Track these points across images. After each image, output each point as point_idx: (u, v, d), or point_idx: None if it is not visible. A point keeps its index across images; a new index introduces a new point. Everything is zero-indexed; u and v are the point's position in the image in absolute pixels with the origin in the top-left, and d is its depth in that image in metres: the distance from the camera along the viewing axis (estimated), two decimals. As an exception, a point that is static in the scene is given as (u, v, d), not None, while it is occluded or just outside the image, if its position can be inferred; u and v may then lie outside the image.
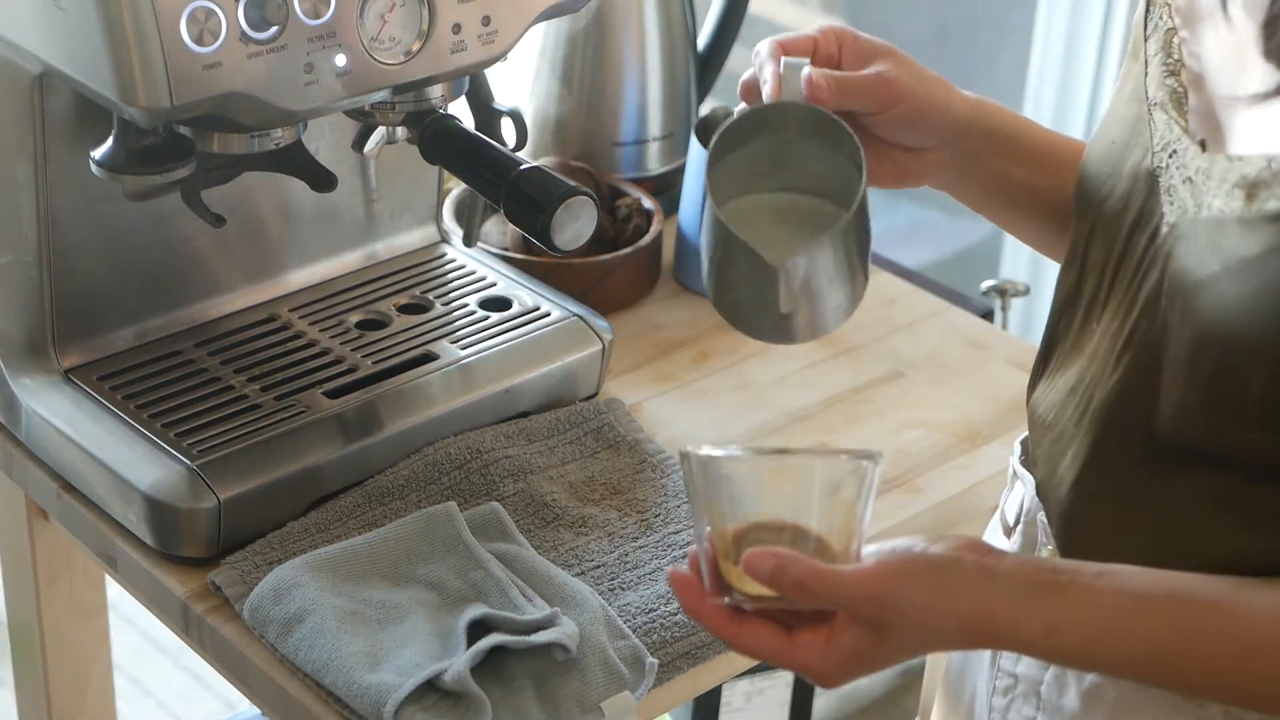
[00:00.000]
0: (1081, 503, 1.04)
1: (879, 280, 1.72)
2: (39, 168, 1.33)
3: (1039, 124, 1.20)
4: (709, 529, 1.00)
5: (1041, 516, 1.10)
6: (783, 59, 1.08)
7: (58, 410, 1.37)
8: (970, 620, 0.95)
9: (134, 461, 1.32)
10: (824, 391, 1.55)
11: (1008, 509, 1.17)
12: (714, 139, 1.06)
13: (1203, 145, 0.98)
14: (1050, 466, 1.07)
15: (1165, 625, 0.94)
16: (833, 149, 1.06)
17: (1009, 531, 1.15)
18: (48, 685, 1.60)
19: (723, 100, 1.83)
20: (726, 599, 0.99)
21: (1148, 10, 1.06)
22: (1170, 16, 1.04)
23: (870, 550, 0.98)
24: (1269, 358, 0.91)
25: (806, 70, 1.06)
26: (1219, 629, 0.94)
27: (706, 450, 1.00)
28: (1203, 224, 0.96)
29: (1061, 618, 0.95)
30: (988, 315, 1.77)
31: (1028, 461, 1.14)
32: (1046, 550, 1.09)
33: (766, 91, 1.07)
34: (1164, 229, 0.98)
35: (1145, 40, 1.06)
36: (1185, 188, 0.98)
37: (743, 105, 1.11)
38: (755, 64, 1.10)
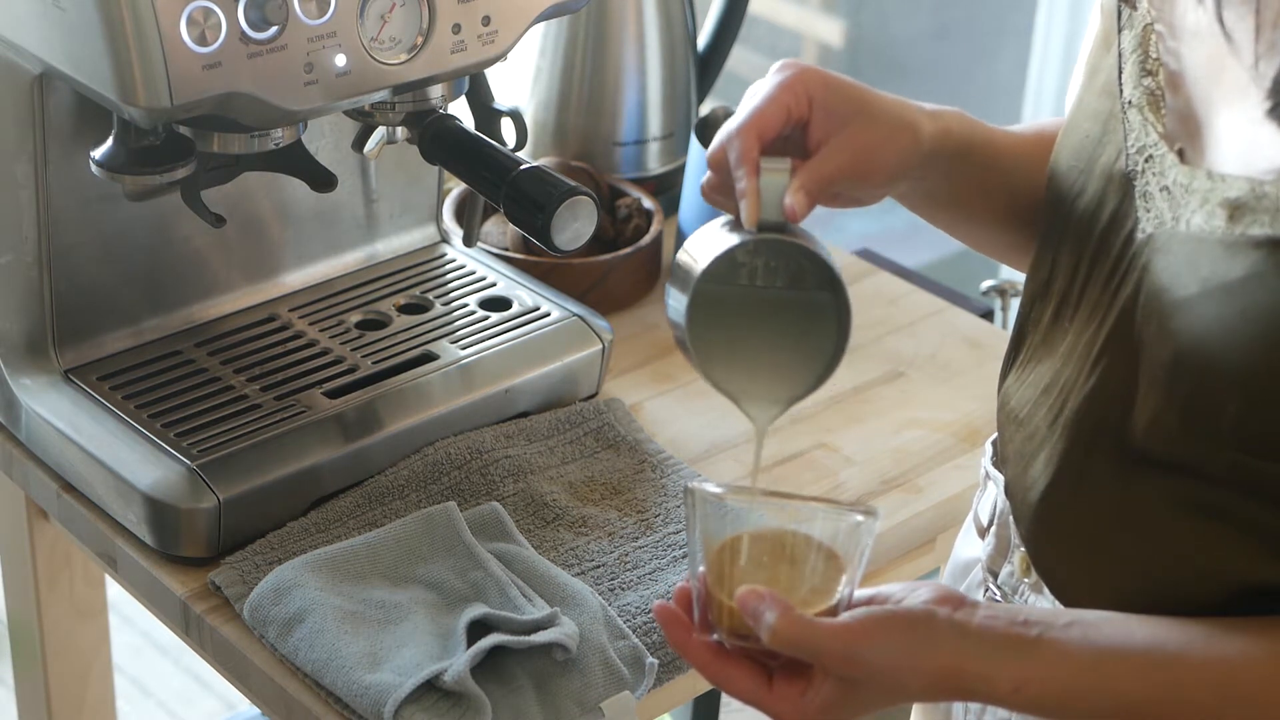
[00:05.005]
0: (1053, 507, 1.03)
1: (879, 280, 1.72)
2: (39, 168, 1.33)
3: (996, 128, 1.16)
4: (703, 564, 1.00)
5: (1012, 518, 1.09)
6: (761, 171, 1.02)
7: (58, 410, 1.37)
8: (941, 676, 0.96)
9: (134, 461, 1.32)
10: (823, 391, 1.52)
11: (981, 510, 1.16)
12: (693, 288, 1.02)
13: (1180, 154, 0.96)
14: (1021, 466, 1.06)
15: (1138, 678, 0.94)
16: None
17: (983, 533, 1.15)
18: (48, 685, 1.60)
19: (723, 100, 1.83)
20: (713, 635, 1.00)
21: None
22: (1148, 10, 1.01)
23: (856, 595, 0.99)
24: (1246, 382, 0.90)
25: (788, 200, 1.02)
26: (1195, 680, 0.93)
27: (710, 487, 1.00)
28: (1180, 239, 0.94)
29: (1031, 674, 0.95)
30: (988, 315, 1.77)
31: (998, 460, 1.14)
32: (1019, 552, 1.08)
33: (745, 212, 1.02)
34: (1139, 235, 0.97)
35: (1119, 32, 1.03)
36: (1162, 196, 0.96)
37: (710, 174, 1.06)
38: (729, 152, 1.03)
